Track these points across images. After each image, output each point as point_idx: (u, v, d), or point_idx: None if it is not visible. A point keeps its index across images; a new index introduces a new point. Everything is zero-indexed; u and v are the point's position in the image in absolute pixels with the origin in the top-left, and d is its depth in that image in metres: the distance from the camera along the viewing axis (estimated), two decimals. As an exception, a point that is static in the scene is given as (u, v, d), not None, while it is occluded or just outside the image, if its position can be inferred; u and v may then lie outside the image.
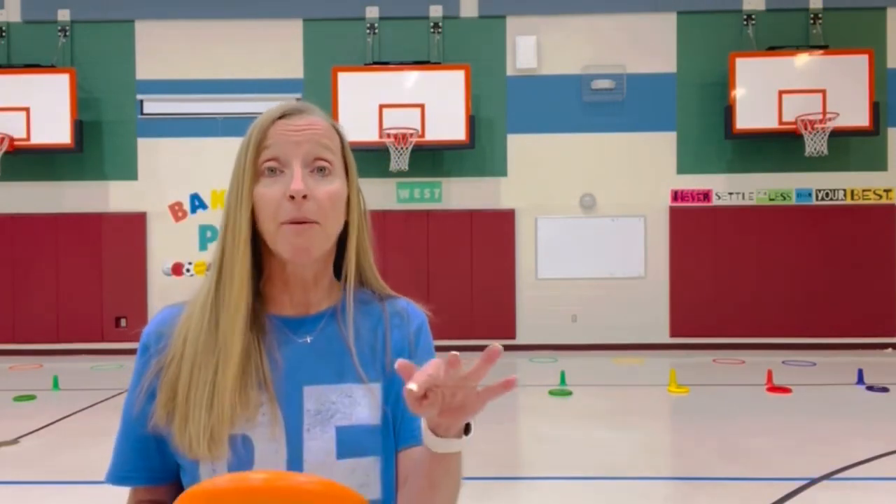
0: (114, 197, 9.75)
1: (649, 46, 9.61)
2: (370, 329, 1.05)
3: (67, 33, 9.64)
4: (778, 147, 9.45)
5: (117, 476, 1.00)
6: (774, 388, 6.94)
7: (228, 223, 0.98)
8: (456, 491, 0.95)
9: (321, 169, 0.97)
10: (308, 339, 1.01)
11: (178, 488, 1.00)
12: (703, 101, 9.55)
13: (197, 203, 9.79)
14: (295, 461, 0.95)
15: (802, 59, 9.07)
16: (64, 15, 9.65)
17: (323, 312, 1.04)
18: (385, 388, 1.02)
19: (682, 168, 9.63)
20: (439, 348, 1.02)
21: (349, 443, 0.91)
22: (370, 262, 1.08)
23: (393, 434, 1.02)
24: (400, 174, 9.13)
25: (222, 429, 0.91)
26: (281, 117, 0.99)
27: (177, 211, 9.79)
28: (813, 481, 4.27)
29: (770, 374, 7.26)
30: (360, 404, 0.99)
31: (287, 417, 0.96)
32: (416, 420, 1.01)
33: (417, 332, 1.08)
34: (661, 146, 9.63)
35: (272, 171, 0.96)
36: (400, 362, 0.81)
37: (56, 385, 7.31)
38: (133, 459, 0.99)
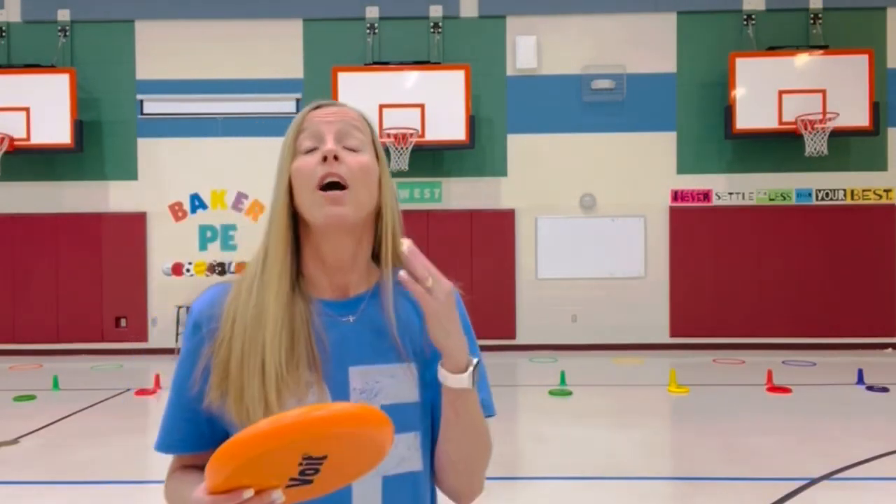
0: (114, 197, 9.75)
1: (649, 46, 9.61)
2: (406, 309, 1.10)
3: (67, 33, 9.64)
4: (778, 147, 9.45)
5: (167, 445, 1.06)
6: (774, 388, 6.95)
7: (272, 204, 1.05)
8: (483, 437, 1.05)
9: (352, 148, 1.05)
10: (351, 320, 1.06)
11: None
12: (703, 101, 9.55)
13: (197, 203, 9.79)
14: None
15: (802, 59, 9.07)
16: (64, 15, 9.65)
17: (363, 295, 1.09)
18: (421, 367, 1.07)
19: (682, 168, 9.63)
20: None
21: (393, 419, 0.92)
22: None
23: (433, 413, 1.08)
24: (400, 174, 9.12)
25: (273, 398, 0.96)
26: (316, 108, 1.08)
27: (177, 211, 9.79)
28: (813, 481, 4.27)
29: (770, 374, 7.26)
30: (402, 383, 1.05)
31: (335, 397, 1.01)
32: None
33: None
34: (661, 146, 9.63)
35: (309, 150, 1.03)
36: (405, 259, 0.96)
37: (56, 385, 7.31)
38: (183, 430, 1.04)
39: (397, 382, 1.04)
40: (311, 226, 1.03)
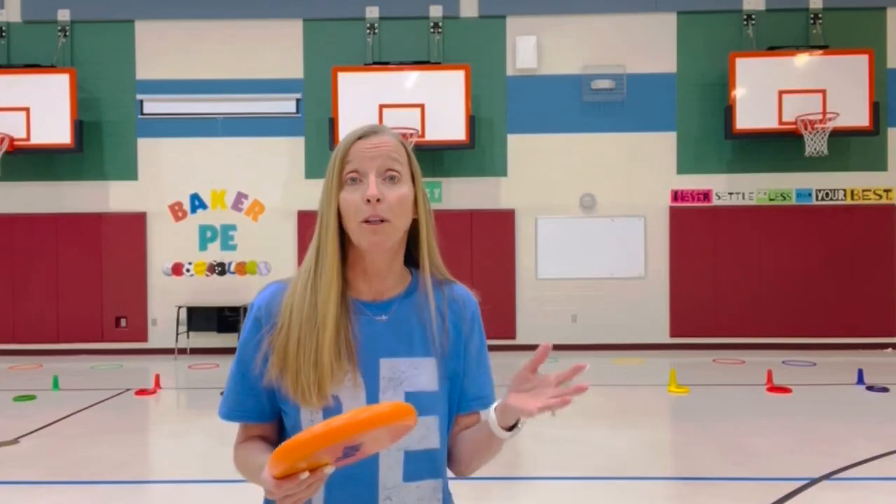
0: (114, 197, 9.75)
1: (649, 46, 9.61)
2: (433, 311, 1.27)
3: (67, 33, 9.64)
4: (778, 147, 9.45)
5: (231, 414, 1.26)
6: (774, 388, 6.94)
7: (322, 222, 1.23)
8: (496, 452, 1.25)
9: (391, 178, 1.21)
10: (384, 318, 1.24)
11: (278, 427, 1.27)
12: (703, 101, 9.55)
13: (197, 203, 9.79)
14: None
15: (802, 59, 9.07)
16: (64, 15, 9.65)
17: (395, 297, 1.27)
18: (441, 361, 1.25)
19: (682, 168, 9.63)
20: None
21: (415, 405, 1.05)
22: (436, 252, 1.31)
23: (449, 400, 1.27)
24: (400, 174, 9.11)
25: (326, 383, 1.16)
26: (360, 138, 1.22)
27: (177, 211, 9.79)
28: (813, 481, 4.27)
29: (770, 374, 7.26)
30: (425, 374, 1.23)
31: (367, 383, 1.20)
32: (473, 393, 1.30)
33: (472, 319, 1.32)
34: (661, 146, 9.63)
35: (353, 180, 1.20)
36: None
37: (56, 385, 7.31)
38: (246, 402, 1.25)
39: (420, 373, 1.22)
40: (356, 245, 1.21)
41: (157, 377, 7.40)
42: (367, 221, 1.17)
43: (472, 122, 9.12)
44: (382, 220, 1.17)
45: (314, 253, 1.23)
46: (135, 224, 9.72)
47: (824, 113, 8.82)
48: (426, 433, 1.21)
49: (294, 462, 0.95)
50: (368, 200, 1.17)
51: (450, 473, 1.31)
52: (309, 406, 1.17)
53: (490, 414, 1.18)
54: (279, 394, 1.20)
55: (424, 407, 1.18)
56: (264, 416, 1.25)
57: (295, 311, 1.20)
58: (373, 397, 1.20)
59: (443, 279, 1.32)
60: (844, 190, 9.52)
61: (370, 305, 1.25)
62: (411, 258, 1.31)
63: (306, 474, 0.98)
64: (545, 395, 1.10)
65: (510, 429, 1.17)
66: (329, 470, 1.00)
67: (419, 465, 1.21)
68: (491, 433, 1.18)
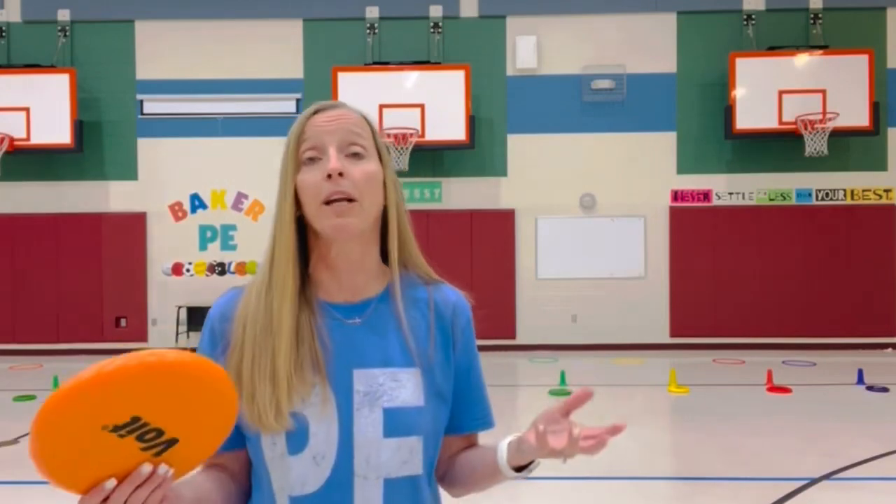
0: (114, 197, 9.75)
1: (649, 46, 9.61)
2: (416, 316, 1.11)
3: (67, 33, 9.64)
4: (778, 147, 9.45)
5: None
6: (774, 388, 6.94)
7: (277, 212, 1.06)
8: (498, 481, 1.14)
9: (355, 154, 1.05)
10: (357, 322, 1.07)
11: (240, 457, 1.08)
12: (703, 101, 9.54)
13: (197, 203, 9.79)
14: (345, 437, 1.02)
15: (802, 59, 9.07)
16: (64, 15, 9.65)
17: (371, 298, 1.10)
18: (426, 373, 1.08)
19: (682, 168, 9.63)
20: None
21: (395, 423, 0.98)
22: (414, 245, 1.15)
23: (437, 419, 1.09)
24: (400, 174, 9.02)
25: (284, 403, 0.99)
26: (315, 113, 1.08)
27: (177, 211, 9.79)
28: (813, 481, 4.27)
29: (770, 374, 7.26)
30: (406, 387, 1.05)
31: (338, 398, 1.03)
32: (471, 413, 1.16)
33: (465, 328, 1.15)
34: (661, 146, 9.63)
35: (312, 160, 1.04)
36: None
37: (56, 385, 7.31)
38: None
39: (401, 386, 1.05)
40: (319, 232, 1.05)
41: (157, 377, 7.39)
42: (329, 202, 1.01)
43: (472, 122, 9.12)
44: (349, 200, 1.02)
45: (269, 251, 1.06)
46: (135, 224, 9.72)
47: (824, 113, 8.81)
48: (408, 458, 1.04)
49: (58, 433, 0.74)
50: (329, 176, 1.01)
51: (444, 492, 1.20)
52: (268, 430, 0.99)
53: (501, 450, 1.05)
54: (241, 421, 1.00)
55: (407, 426, 1.04)
56: (225, 444, 1.01)
57: (249, 323, 1.04)
58: (346, 414, 1.02)
59: (428, 278, 1.17)
60: (844, 190, 9.52)
61: (341, 308, 1.08)
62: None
63: (112, 482, 0.79)
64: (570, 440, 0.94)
65: (520, 469, 1.05)
66: (166, 473, 0.81)
67: (401, 495, 1.04)
68: (497, 468, 1.05)
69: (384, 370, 1.05)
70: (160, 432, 0.79)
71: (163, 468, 0.81)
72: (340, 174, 1.01)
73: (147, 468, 0.80)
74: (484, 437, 1.21)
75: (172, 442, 0.81)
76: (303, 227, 1.07)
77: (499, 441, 1.07)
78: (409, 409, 1.05)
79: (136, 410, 0.77)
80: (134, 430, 0.78)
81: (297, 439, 1.01)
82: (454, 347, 1.13)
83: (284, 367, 1.00)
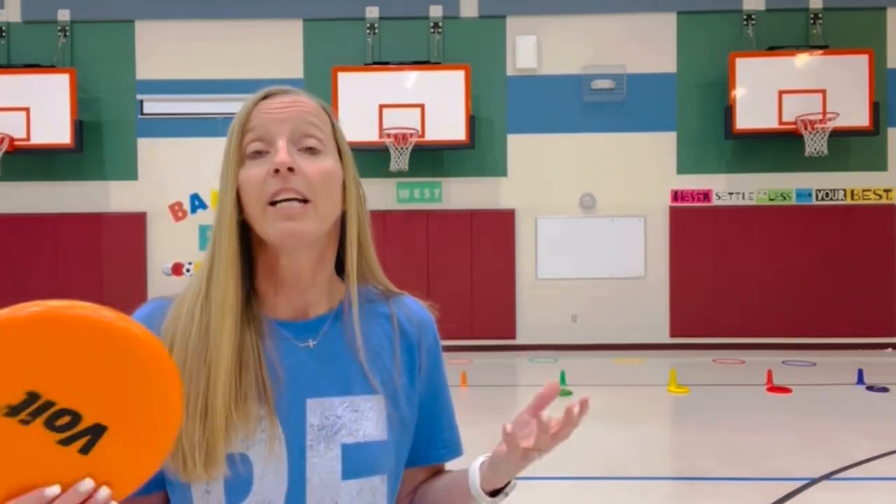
0: (114, 197, 9.75)
1: (649, 46, 9.61)
2: (377, 334, 0.97)
3: (67, 33, 9.64)
4: (778, 147, 9.45)
5: None
6: (774, 388, 6.94)
7: (217, 215, 0.90)
8: None
9: (310, 148, 0.90)
10: (311, 344, 0.93)
11: (162, 498, 0.90)
12: (703, 101, 9.54)
13: (197, 203, 9.79)
14: (297, 481, 0.87)
15: (802, 59, 9.07)
16: (64, 15, 9.65)
17: (325, 315, 0.95)
18: (391, 401, 0.95)
19: (682, 168, 9.63)
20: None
21: (356, 461, 0.86)
22: (373, 255, 0.99)
23: (400, 451, 0.96)
24: (400, 174, 9.12)
25: (219, 444, 0.82)
26: (264, 98, 0.92)
27: (177, 211, 9.79)
28: (813, 481, 4.27)
29: (770, 374, 7.26)
30: (368, 418, 0.92)
31: (288, 433, 0.88)
32: (439, 440, 1.03)
33: (433, 346, 1.02)
34: (661, 146, 9.63)
35: (257, 153, 0.88)
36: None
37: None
38: None
39: (361, 417, 0.91)
40: (265, 239, 0.89)
41: (157, 377, 7.39)
42: (274, 203, 0.86)
43: (472, 122, 9.12)
44: (300, 201, 0.86)
45: (207, 260, 0.90)
46: (135, 224, 9.72)
47: (824, 113, 8.81)
48: (371, 501, 0.90)
49: None
50: (277, 171, 0.85)
51: None
52: (195, 479, 0.82)
53: (473, 474, 0.93)
54: (163, 465, 0.81)
55: (369, 464, 0.90)
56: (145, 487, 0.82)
57: (178, 345, 0.86)
58: (297, 452, 0.87)
59: (387, 291, 1.02)
60: (844, 190, 9.52)
61: (291, 326, 0.93)
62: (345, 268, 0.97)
63: (55, 488, 0.63)
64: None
65: (494, 493, 0.92)
66: (86, 487, 0.62)
67: None
68: (468, 495, 0.92)
69: (343, 398, 0.91)
70: (75, 416, 0.61)
71: (86, 483, 0.63)
72: (290, 169, 0.86)
73: (88, 484, 0.64)
74: (454, 463, 1.10)
75: (98, 431, 0.62)
76: (248, 233, 0.91)
77: (469, 464, 0.95)
78: (372, 444, 0.91)
79: (31, 384, 0.59)
80: (37, 412, 0.60)
81: (238, 486, 0.84)
82: (420, 369, 0.99)
83: (223, 400, 0.83)
